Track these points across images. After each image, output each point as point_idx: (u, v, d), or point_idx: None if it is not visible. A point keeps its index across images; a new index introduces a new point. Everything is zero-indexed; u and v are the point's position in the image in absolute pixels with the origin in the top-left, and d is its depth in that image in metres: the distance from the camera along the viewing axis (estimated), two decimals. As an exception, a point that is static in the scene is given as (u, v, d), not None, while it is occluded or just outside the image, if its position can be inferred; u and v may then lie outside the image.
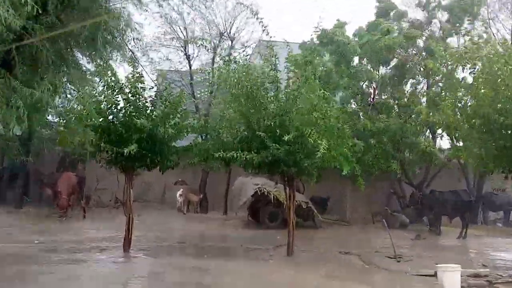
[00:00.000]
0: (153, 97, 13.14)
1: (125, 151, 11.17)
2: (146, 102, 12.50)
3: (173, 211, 21.25)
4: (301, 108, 12.08)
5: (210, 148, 13.07)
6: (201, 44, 18.83)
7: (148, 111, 12.32)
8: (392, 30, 20.86)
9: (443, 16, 23.24)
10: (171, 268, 11.18)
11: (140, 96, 12.34)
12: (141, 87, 12.39)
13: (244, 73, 12.22)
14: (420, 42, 22.09)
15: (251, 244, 14.74)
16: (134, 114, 11.95)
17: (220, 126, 13.31)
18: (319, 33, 20.46)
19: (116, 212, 19.94)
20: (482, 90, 11.86)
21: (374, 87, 22.25)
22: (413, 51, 21.81)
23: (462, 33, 22.01)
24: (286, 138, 11.30)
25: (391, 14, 23.14)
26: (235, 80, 12.20)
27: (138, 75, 12.49)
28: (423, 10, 23.59)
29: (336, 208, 24.06)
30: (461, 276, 9.94)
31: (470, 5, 22.03)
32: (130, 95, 12.21)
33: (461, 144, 14.61)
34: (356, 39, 21.47)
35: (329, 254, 13.74)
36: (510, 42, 20.73)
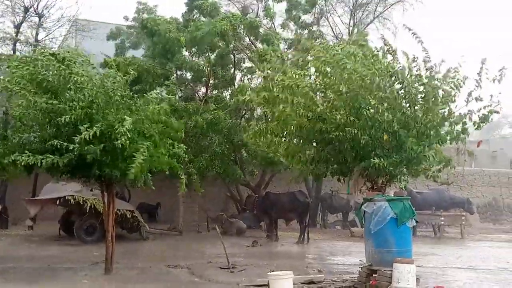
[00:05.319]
0: None
1: None
2: None
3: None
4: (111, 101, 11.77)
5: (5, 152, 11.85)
6: None
7: None
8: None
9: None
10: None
11: None
12: None
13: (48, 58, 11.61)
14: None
15: (62, 263, 14.27)
16: None
17: (18, 126, 12.39)
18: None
19: None
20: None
21: (206, 80, 22.79)
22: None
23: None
24: (85, 135, 10.64)
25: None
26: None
27: None
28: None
29: (167, 216, 24.75)
30: (294, 284, 10.59)
31: None
32: None
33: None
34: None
35: (155, 270, 13.70)
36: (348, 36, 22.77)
